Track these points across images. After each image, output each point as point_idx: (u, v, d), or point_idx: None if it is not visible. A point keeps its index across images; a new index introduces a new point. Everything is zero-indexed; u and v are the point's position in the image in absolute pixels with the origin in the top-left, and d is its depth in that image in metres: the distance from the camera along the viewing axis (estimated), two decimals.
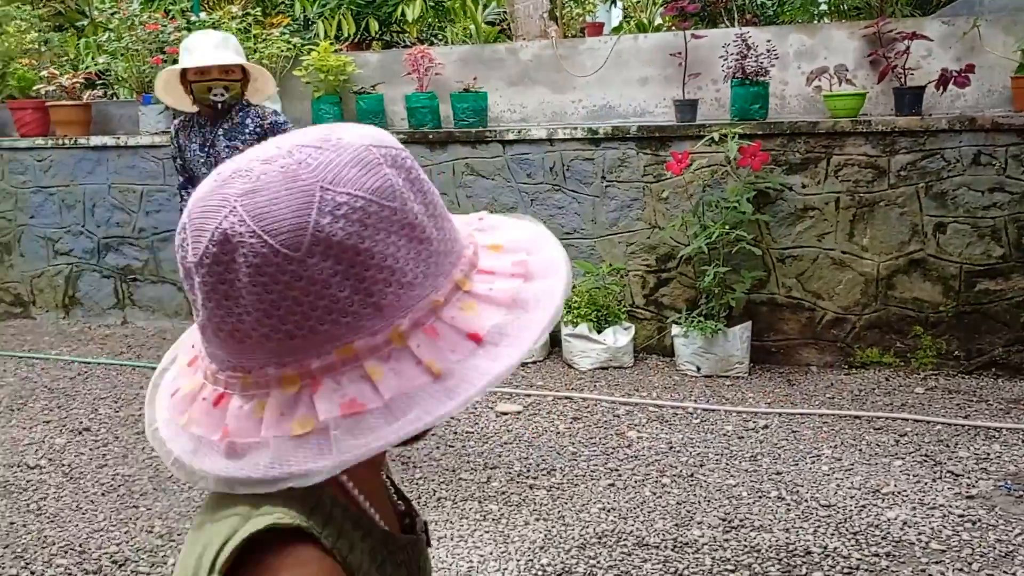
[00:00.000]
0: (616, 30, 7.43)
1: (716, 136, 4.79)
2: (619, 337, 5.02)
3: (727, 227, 4.70)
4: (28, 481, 3.57)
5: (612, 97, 5.66)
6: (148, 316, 6.38)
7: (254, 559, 0.68)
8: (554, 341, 5.28)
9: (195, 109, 3.56)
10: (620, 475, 3.65)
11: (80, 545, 3.02)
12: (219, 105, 3.47)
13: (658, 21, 6.87)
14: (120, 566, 2.90)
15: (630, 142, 5.17)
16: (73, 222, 6.44)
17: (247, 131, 3.49)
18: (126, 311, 6.44)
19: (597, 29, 7.35)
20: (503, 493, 3.49)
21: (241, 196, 0.69)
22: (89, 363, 5.35)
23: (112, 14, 6.56)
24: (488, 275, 0.77)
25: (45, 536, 3.08)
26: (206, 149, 3.52)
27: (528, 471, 3.69)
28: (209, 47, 3.41)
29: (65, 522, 3.20)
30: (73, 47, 7.81)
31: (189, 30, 6.08)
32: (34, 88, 6.48)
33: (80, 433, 4.13)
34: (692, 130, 5.02)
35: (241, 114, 3.52)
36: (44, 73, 6.39)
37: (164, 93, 3.59)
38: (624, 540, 3.11)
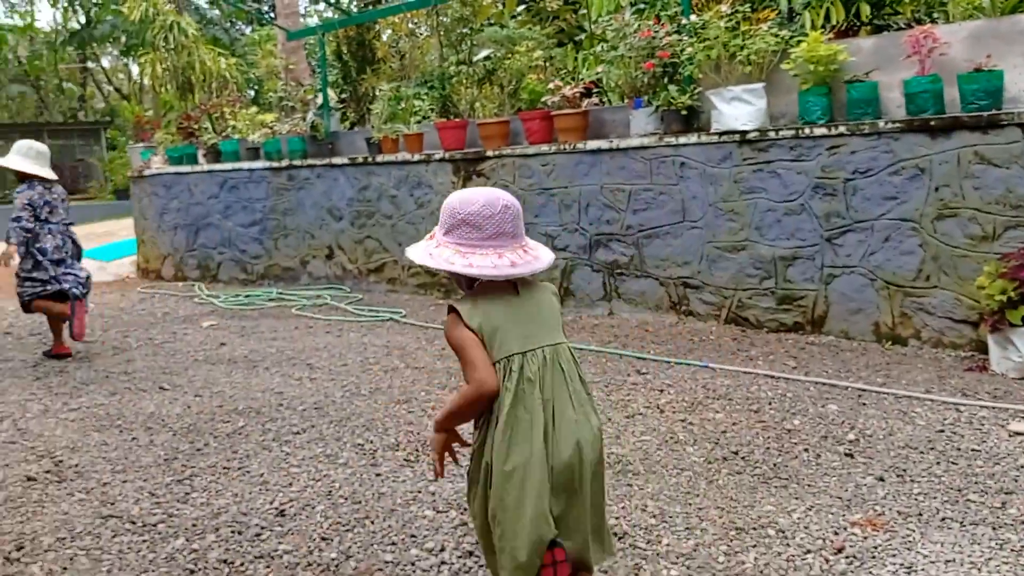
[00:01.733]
0: None
1: None
2: None
3: None
4: None
5: None
6: (632, 308, 6.76)
7: None
8: None
9: None
10: None
11: None
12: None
13: None
14: (619, 538, 3.09)
15: None
16: (569, 220, 7.06)
17: None
18: (612, 303, 6.90)
19: None
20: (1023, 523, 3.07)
21: (506, 196, 2.37)
22: (582, 349, 5.82)
23: (607, 25, 7.05)
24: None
25: None
26: None
27: None
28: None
29: None
30: (572, 60, 8.56)
31: (679, 33, 6.31)
32: (541, 100, 7.23)
33: None
34: None
35: None
36: (550, 86, 7.10)
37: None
38: None
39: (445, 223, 2.34)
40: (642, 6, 7.52)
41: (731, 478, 3.59)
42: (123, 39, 25.90)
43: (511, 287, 2.33)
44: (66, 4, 28.08)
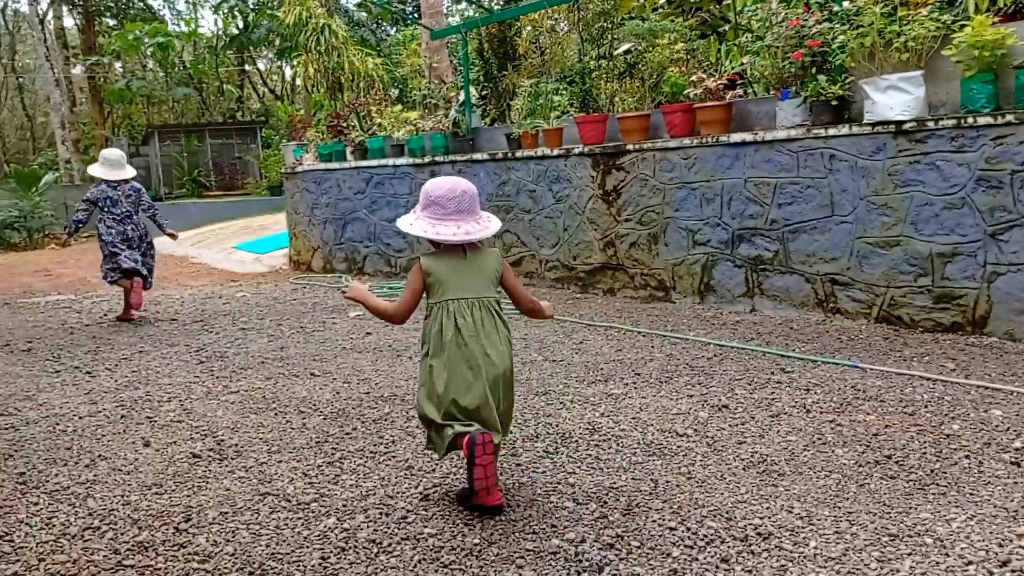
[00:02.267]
0: None
1: None
2: None
3: None
4: (678, 447, 3.94)
5: None
6: (775, 305, 6.58)
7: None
8: None
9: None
10: None
11: (727, 512, 3.23)
12: None
13: None
14: (764, 539, 3.01)
15: None
16: (711, 214, 6.93)
17: None
18: (755, 299, 6.73)
19: None
20: None
21: (464, 183, 3.33)
22: (723, 346, 5.71)
23: (752, 15, 6.87)
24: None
25: (696, 499, 3.36)
26: None
27: None
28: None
29: (712, 488, 3.45)
30: (714, 52, 8.39)
31: (830, 20, 6.08)
32: (683, 93, 7.12)
33: (720, 409, 4.43)
34: None
35: None
36: (693, 78, 6.98)
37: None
38: None
39: (421, 202, 3.30)
40: None
41: (884, 482, 3.45)
42: (277, 42, 27.16)
43: (462, 252, 3.29)
44: (226, 11, 29.70)
